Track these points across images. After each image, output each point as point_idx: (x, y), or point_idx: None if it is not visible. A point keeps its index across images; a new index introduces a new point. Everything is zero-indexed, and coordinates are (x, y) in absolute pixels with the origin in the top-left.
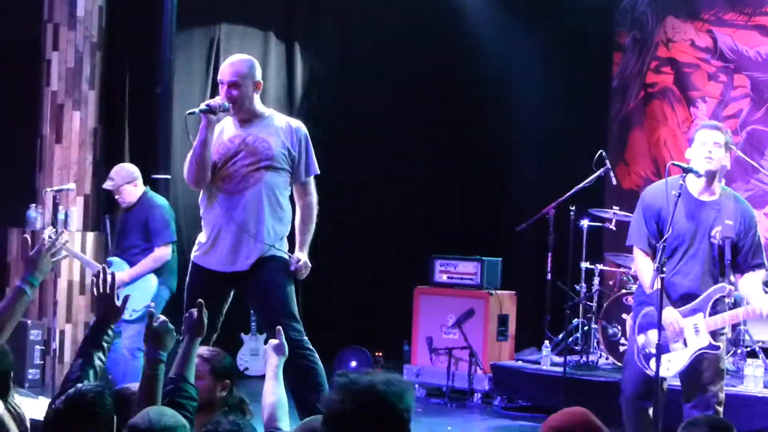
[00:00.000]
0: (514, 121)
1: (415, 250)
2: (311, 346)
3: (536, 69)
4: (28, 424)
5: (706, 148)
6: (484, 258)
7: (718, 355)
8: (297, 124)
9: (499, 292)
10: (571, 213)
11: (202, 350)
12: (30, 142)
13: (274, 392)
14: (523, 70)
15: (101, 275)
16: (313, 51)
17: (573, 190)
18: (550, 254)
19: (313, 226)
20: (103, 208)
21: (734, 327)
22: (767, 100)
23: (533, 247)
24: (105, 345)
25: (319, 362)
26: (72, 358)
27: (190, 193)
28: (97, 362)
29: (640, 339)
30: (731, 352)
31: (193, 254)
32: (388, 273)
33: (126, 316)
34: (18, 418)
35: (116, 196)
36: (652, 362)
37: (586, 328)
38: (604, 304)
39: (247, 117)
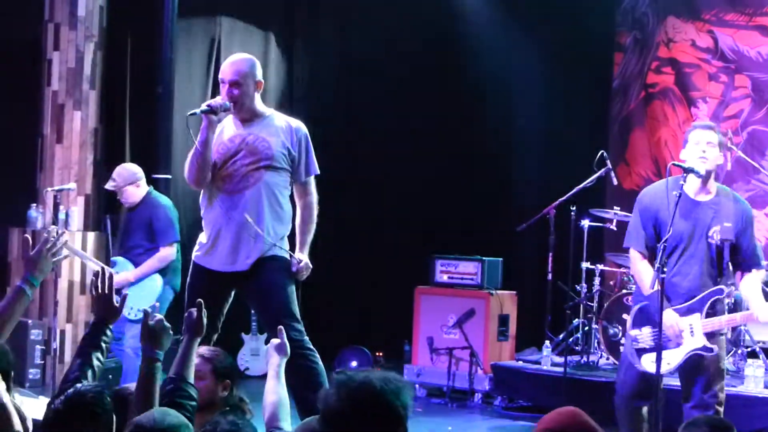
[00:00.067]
0: (515, 121)
1: (416, 250)
2: (312, 346)
3: (537, 69)
4: (30, 424)
5: (700, 148)
6: (484, 258)
7: (719, 355)
8: (297, 123)
9: (499, 292)
10: (572, 213)
11: (203, 350)
12: (31, 142)
13: (276, 392)
14: (524, 70)
15: (100, 275)
16: (313, 51)
17: (574, 190)
18: (550, 254)
19: (314, 227)
20: (103, 208)
21: (734, 327)
22: None
23: (534, 247)
24: (104, 345)
25: (320, 362)
26: (72, 357)
27: (190, 193)
28: (96, 362)
29: (633, 333)
30: (731, 352)
31: (193, 254)
32: (389, 273)
33: (131, 315)
34: (20, 418)
35: (119, 197)
36: (644, 358)
37: (586, 328)
38: (605, 305)
39: (247, 116)
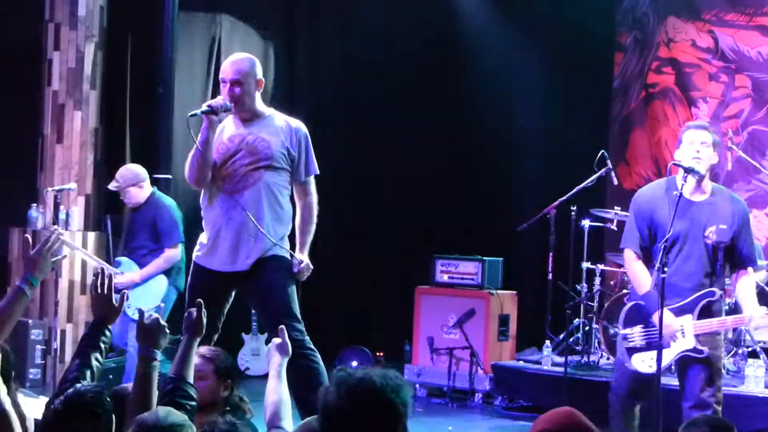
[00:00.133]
0: (515, 121)
1: (416, 250)
2: (313, 346)
3: (537, 69)
4: (32, 424)
5: (694, 148)
6: (485, 258)
7: (717, 355)
8: (297, 123)
9: (500, 292)
10: (573, 213)
11: (204, 350)
12: (31, 142)
13: (277, 391)
14: (524, 70)
15: (100, 275)
16: (313, 51)
17: (574, 190)
18: (551, 254)
19: (314, 227)
20: (104, 208)
21: (735, 328)
22: None
23: (534, 247)
24: (103, 345)
25: (321, 362)
26: (71, 358)
27: (191, 193)
28: (95, 363)
29: (624, 332)
30: (732, 352)
31: (194, 254)
32: (389, 273)
33: (136, 316)
34: (20, 418)
35: (122, 197)
36: (634, 357)
37: (587, 328)
38: (605, 304)
39: (248, 116)
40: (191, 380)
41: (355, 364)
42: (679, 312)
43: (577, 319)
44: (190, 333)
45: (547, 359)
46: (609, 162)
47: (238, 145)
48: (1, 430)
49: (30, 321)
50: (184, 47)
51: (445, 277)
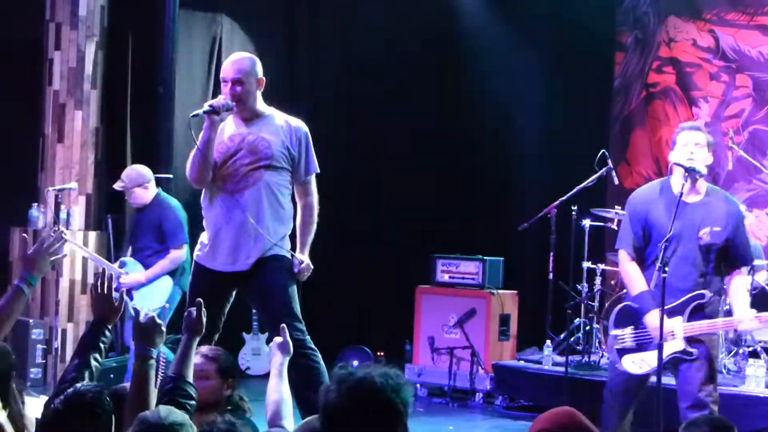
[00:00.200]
0: (516, 120)
1: (417, 250)
2: (313, 346)
3: (537, 68)
4: (32, 424)
5: (688, 149)
6: (485, 258)
7: (712, 355)
8: (297, 123)
9: (500, 291)
10: (573, 213)
11: (206, 350)
12: (32, 142)
13: (278, 390)
14: (525, 69)
15: (101, 275)
16: (313, 50)
17: (575, 189)
18: (551, 254)
19: (314, 227)
20: (105, 208)
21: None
22: None
23: (535, 246)
24: (102, 345)
25: (322, 362)
26: (71, 357)
27: (192, 193)
28: (94, 363)
29: (616, 332)
30: (733, 352)
31: (195, 254)
32: (390, 273)
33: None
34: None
35: (127, 197)
36: (625, 359)
37: (587, 327)
38: (606, 304)
39: (248, 115)
40: (191, 379)
41: (355, 363)
42: (669, 314)
43: (577, 319)
44: (189, 332)
45: (548, 359)
46: (610, 161)
47: (238, 145)
48: None
49: (31, 320)
50: (185, 47)
51: (446, 277)
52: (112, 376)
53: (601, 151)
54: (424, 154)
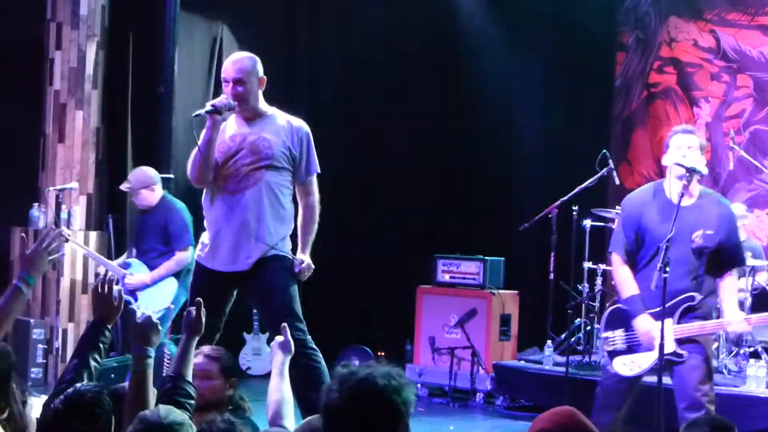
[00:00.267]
0: (517, 121)
1: (418, 250)
2: (314, 346)
3: (538, 68)
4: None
5: (680, 152)
6: (486, 258)
7: (708, 355)
8: (299, 123)
9: (501, 291)
10: (574, 213)
11: (208, 350)
12: (33, 142)
13: (279, 390)
14: (525, 69)
15: (102, 275)
16: (313, 50)
17: (576, 189)
18: (552, 254)
19: (315, 227)
20: (105, 208)
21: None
22: None
23: (536, 246)
24: (102, 346)
25: (323, 362)
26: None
27: (192, 193)
28: (93, 363)
29: (606, 335)
30: (733, 352)
31: (196, 254)
32: (391, 273)
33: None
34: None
35: (132, 198)
36: (616, 361)
37: (588, 327)
38: (607, 304)
39: (250, 115)
40: (190, 379)
41: (356, 363)
42: (659, 317)
43: (578, 319)
44: (189, 332)
45: (549, 359)
46: (611, 162)
47: (239, 145)
48: None
49: (32, 320)
50: (186, 47)
51: (447, 277)
52: (113, 375)
53: (603, 151)
54: (424, 154)
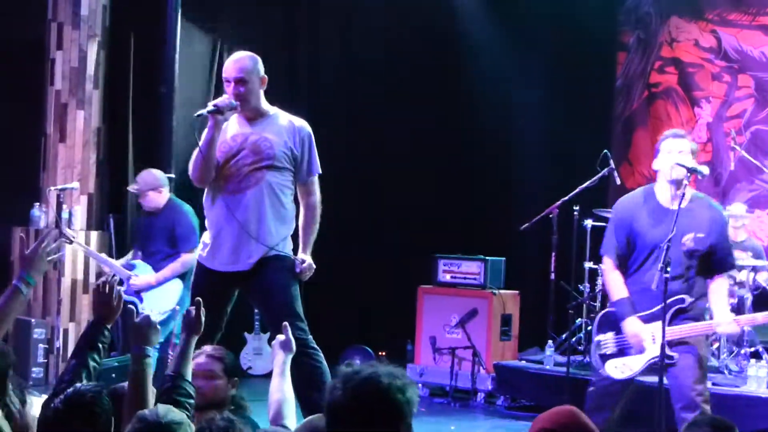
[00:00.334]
0: (517, 120)
1: (419, 250)
2: (316, 346)
3: (539, 68)
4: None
5: (672, 156)
6: (487, 258)
7: (702, 356)
8: (300, 123)
9: (502, 291)
10: (575, 213)
11: (209, 349)
12: (34, 141)
13: (281, 389)
14: (526, 69)
15: (105, 277)
16: (313, 51)
17: (577, 189)
18: (553, 254)
19: (317, 227)
20: (106, 208)
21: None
22: None
23: (537, 246)
24: (101, 345)
25: (324, 361)
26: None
27: (193, 192)
28: (92, 363)
29: (598, 338)
30: (734, 352)
31: (197, 253)
32: (392, 273)
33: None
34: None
35: (140, 199)
36: (608, 364)
37: (589, 328)
38: (608, 304)
39: (252, 115)
40: (189, 378)
41: (358, 362)
42: (649, 319)
43: (579, 319)
44: (188, 331)
45: (550, 359)
46: (612, 161)
47: (240, 144)
48: None
49: (32, 320)
50: (186, 47)
51: (448, 277)
52: (114, 375)
53: (604, 151)
54: (424, 154)
